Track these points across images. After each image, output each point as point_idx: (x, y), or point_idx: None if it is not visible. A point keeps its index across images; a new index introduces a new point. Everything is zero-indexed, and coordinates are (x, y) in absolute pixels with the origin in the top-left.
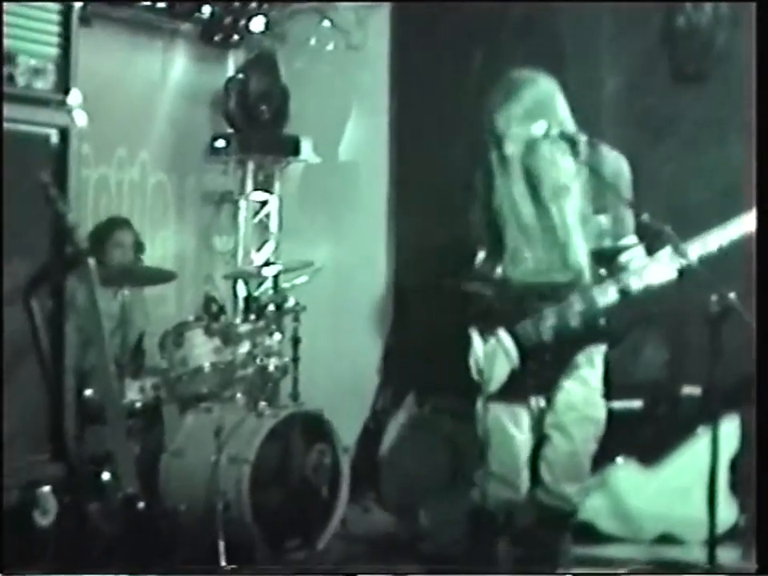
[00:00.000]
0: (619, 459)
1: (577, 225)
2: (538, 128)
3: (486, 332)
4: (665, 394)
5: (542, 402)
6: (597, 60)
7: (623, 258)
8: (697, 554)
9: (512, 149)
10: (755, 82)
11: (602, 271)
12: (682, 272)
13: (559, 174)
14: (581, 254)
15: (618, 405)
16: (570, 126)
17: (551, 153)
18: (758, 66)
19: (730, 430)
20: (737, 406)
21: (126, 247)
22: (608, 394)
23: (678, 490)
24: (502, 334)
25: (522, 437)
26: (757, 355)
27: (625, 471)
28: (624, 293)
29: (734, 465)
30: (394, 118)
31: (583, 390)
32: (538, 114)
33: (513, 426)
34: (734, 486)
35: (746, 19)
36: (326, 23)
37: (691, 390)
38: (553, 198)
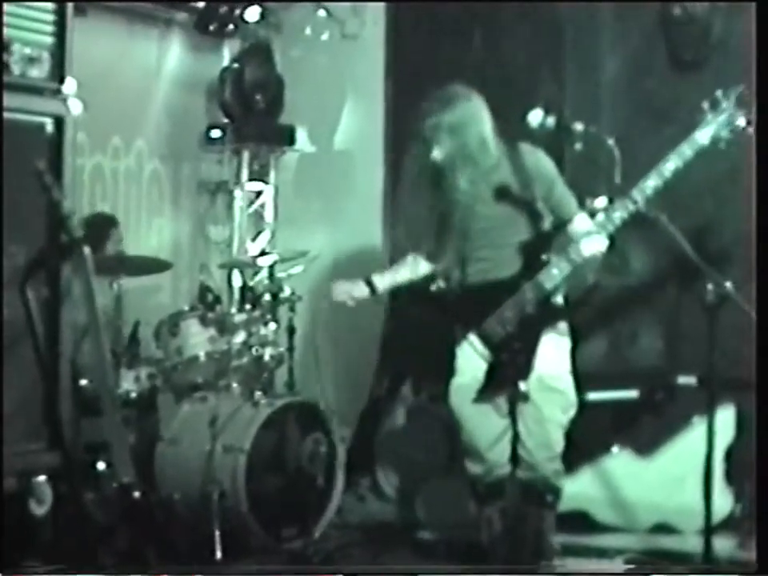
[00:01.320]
0: (615, 448)
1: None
2: (534, 117)
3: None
4: (661, 384)
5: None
6: (595, 46)
7: (560, 239)
8: (692, 543)
9: (438, 154)
10: (755, 82)
11: (543, 257)
12: (612, 238)
13: (497, 173)
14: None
15: (613, 394)
16: (492, 143)
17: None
18: (757, 66)
19: (726, 419)
20: (733, 395)
21: (116, 241)
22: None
23: (673, 479)
24: (471, 336)
25: (495, 416)
26: (757, 345)
27: (620, 460)
28: (568, 270)
29: (730, 454)
30: (389, 106)
31: (547, 364)
32: (465, 127)
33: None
34: (730, 476)
35: (743, 6)
36: (322, 12)
37: (687, 380)
38: (491, 197)
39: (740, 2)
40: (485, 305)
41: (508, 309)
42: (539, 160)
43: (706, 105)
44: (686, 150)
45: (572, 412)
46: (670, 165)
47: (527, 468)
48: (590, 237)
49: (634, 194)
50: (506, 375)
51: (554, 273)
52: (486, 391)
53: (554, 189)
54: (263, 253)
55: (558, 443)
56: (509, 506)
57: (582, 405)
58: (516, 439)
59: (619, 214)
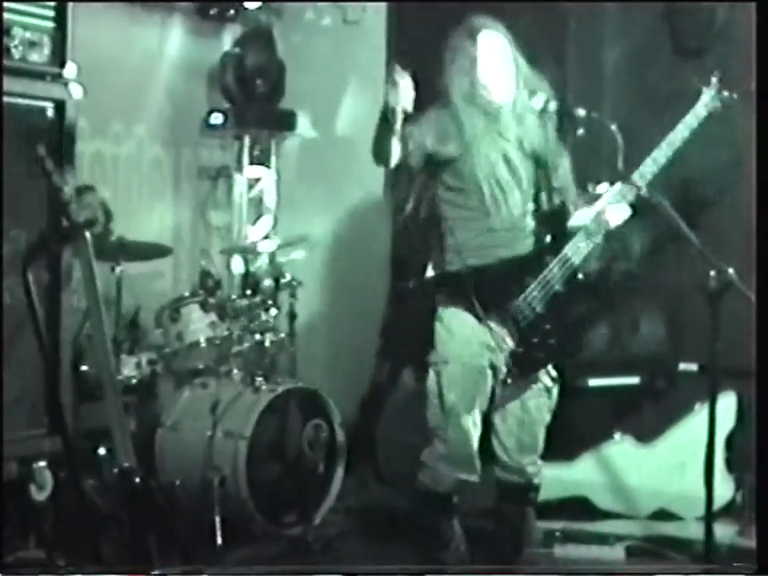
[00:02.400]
0: (616, 435)
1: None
2: (536, 102)
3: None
4: (662, 370)
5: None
6: (598, 34)
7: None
8: (693, 530)
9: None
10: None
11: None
12: (634, 206)
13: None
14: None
15: (615, 381)
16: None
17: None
18: (758, 66)
19: (727, 406)
20: (734, 382)
21: (94, 207)
22: (604, 369)
23: (674, 466)
24: (492, 323)
25: (472, 418)
26: (757, 333)
27: (621, 447)
28: (595, 242)
29: (731, 441)
30: None
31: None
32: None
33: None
34: (731, 463)
35: None
36: (324, 1)
37: (688, 367)
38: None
39: (740, 1)
40: (504, 285)
41: (535, 288)
42: (549, 133)
43: (697, 81)
44: (692, 121)
45: (553, 406)
46: (678, 134)
47: (506, 469)
48: (614, 205)
49: (658, 156)
50: (537, 358)
51: (581, 246)
52: (516, 375)
53: (564, 166)
54: (265, 238)
55: (541, 444)
56: (488, 505)
57: (583, 392)
58: (491, 437)
59: (641, 181)
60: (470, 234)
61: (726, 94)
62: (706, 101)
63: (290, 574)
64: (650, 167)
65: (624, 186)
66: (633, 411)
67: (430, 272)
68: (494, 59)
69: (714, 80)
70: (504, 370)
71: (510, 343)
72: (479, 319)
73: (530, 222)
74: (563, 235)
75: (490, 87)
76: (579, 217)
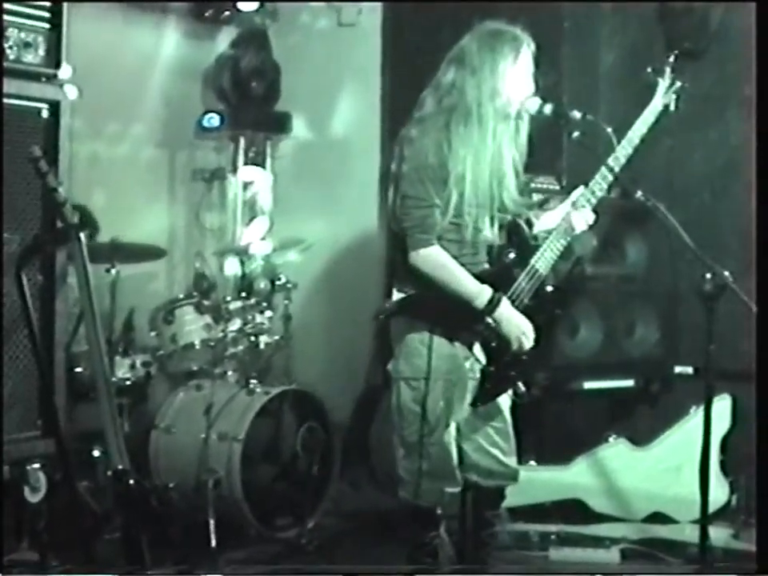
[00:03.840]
0: (611, 438)
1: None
2: (531, 104)
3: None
4: (657, 373)
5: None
6: (594, 36)
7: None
8: (688, 533)
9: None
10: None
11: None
12: (597, 213)
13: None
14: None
15: (610, 384)
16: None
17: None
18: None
19: (722, 409)
20: (729, 385)
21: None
22: (599, 372)
23: (669, 468)
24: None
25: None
26: (757, 336)
27: (616, 450)
28: (561, 249)
29: (726, 444)
30: (386, 93)
31: None
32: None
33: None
34: (726, 466)
35: None
36: (319, 1)
37: (684, 369)
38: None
39: (740, 1)
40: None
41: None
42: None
43: (650, 72)
44: (649, 117)
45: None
46: (637, 131)
47: (491, 475)
48: (577, 211)
49: (609, 163)
50: (508, 376)
51: (548, 256)
52: (486, 395)
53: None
54: (260, 240)
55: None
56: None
57: (578, 394)
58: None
59: (599, 185)
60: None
61: (679, 84)
62: (662, 93)
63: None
64: (607, 172)
65: (586, 191)
66: (628, 414)
67: (395, 294)
68: (525, 70)
69: (667, 70)
70: (477, 387)
71: (482, 361)
72: (450, 340)
73: (495, 233)
74: (527, 245)
75: (512, 98)
76: (543, 224)
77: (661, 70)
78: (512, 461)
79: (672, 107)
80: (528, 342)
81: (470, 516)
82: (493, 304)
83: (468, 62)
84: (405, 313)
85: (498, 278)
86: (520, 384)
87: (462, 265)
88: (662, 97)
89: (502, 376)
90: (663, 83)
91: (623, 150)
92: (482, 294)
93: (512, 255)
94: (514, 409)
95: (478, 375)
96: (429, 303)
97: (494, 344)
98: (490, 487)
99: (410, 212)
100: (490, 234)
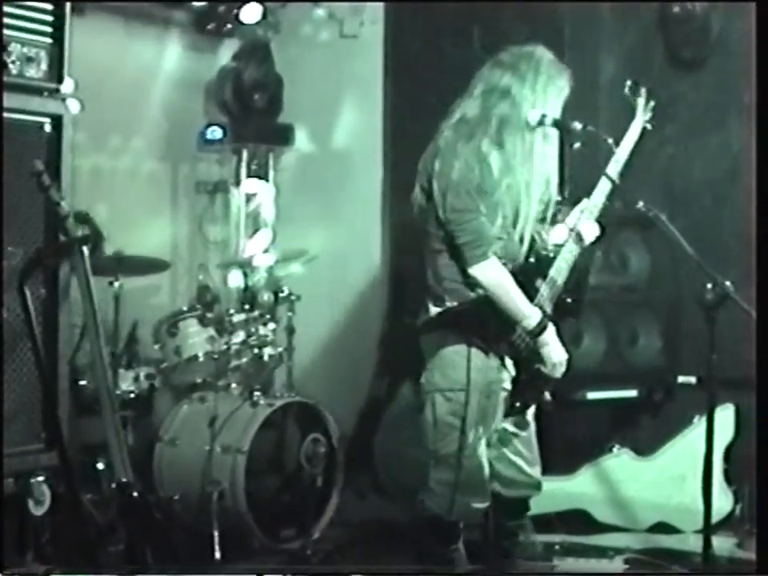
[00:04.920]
0: (615, 448)
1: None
2: (532, 116)
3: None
4: (660, 383)
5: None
6: (594, 45)
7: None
8: (692, 542)
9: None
10: (755, 82)
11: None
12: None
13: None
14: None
15: (613, 394)
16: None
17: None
18: (757, 66)
19: (726, 418)
20: (732, 394)
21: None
22: (602, 382)
23: (673, 478)
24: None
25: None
26: (757, 345)
27: (620, 460)
28: (573, 259)
29: (729, 454)
30: (388, 106)
31: None
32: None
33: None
34: (729, 475)
35: (742, 3)
36: (321, 12)
37: (686, 379)
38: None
39: (740, 1)
40: (503, 314)
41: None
42: None
43: (628, 91)
44: (637, 126)
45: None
46: (630, 139)
47: (515, 485)
48: (584, 222)
49: (608, 172)
50: (539, 384)
51: (563, 267)
52: (519, 405)
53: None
54: (262, 252)
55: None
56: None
57: (582, 405)
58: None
59: (601, 196)
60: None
61: (653, 103)
62: (641, 111)
63: None
64: (598, 197)
65: (589, 203)
66: (631, 424)
67: (431, 309)
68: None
69: (642, 91)
70: (509, 397)
71: (513, 372)
72: (485, 352)
73: (525, 246)
74: (544, 257)
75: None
76: (554, 237)
77: (636, 89)
78: (535, 471)
79: (648, 126)
80: (561, 371)
81: (492, 526)
82: (540, 327)
83: (527, 79)
84: (443, 326)
85: (523, 288)
86: (546, 392)
87: None
88: (642, 115)
89: (532, 385)
90: (641, 101)
91: (619, 157)
92: (533, 315)
93: (533, 267)
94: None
95: (509, 386)
96: (466, 316)
97: (524, 354)
98: (512, 497)
99: (464, 226)
100: (523, 246)
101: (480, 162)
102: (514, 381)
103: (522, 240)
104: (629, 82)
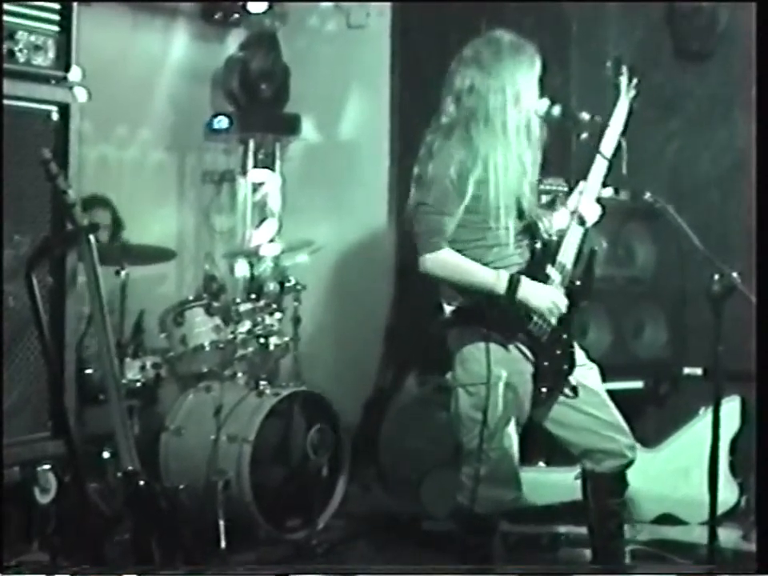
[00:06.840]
0: None
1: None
2: (540, 106)
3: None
4: (666, 375)
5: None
6: (601, 38)
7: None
8: (697, 534)
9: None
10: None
11: (549, 235)
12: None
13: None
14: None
15: (618, 385)
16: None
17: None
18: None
19: (731, 410)
20: (738, 386)
21: (102, 227)
22: (607, 373)
23: (678, 470)
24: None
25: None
26: (757, 336)
27: None
28: (579, 243)
29: (735, 445)
30: (395, 96)
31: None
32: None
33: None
34: (735, 467)
35: None
36: (327, 2)
37: (692, 371)
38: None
39: (740, 1)
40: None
41: None
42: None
43: (610, 70)
44: (623, 104)
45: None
46: (618, 117)
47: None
48: (584, 203)
49: (602, 150)
50: (563, 369)
51: (570, 250)
52: (550, 389)
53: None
54: (269, 242)
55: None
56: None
57: None
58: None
59: (597, 175)
60: (478, 253)
61: (636, 80)
62: (624, 90)
63: None
64: (595, 176)
65: (586, 183)
66: (637, 416)
67: (446, 307)
68: (536, 84)
69: (624, 68)
70: (535, 386)
71: (533, 360)
72: (504, 345)
73: (521, 234)
74: (549, 243)
75: (526, 105)
76: (556, 223)
77: (618, 67)
78: (620, 435)
79: (634, 104)
80: (561, 307)
81: (593, 508)
82: (513, 284)
83: (488, 67)
84: (460, 323)
85: (531, 275)
86: (571, 378)
87: (496, 268)
88: (626, 92)
89: (557, 370)
90: (623, 79)
91: (611, 135)
92: (499, 279)
93: (540, 253)
94: None
95: (531, 377)
96: (479, 311)
97: (543, 341)
98: (606, 473)
99: (421, 218)
100: (518, 234)
101: (457, 160)
102: (536, 368)
103: (507, 229)
104: (609, 62)
